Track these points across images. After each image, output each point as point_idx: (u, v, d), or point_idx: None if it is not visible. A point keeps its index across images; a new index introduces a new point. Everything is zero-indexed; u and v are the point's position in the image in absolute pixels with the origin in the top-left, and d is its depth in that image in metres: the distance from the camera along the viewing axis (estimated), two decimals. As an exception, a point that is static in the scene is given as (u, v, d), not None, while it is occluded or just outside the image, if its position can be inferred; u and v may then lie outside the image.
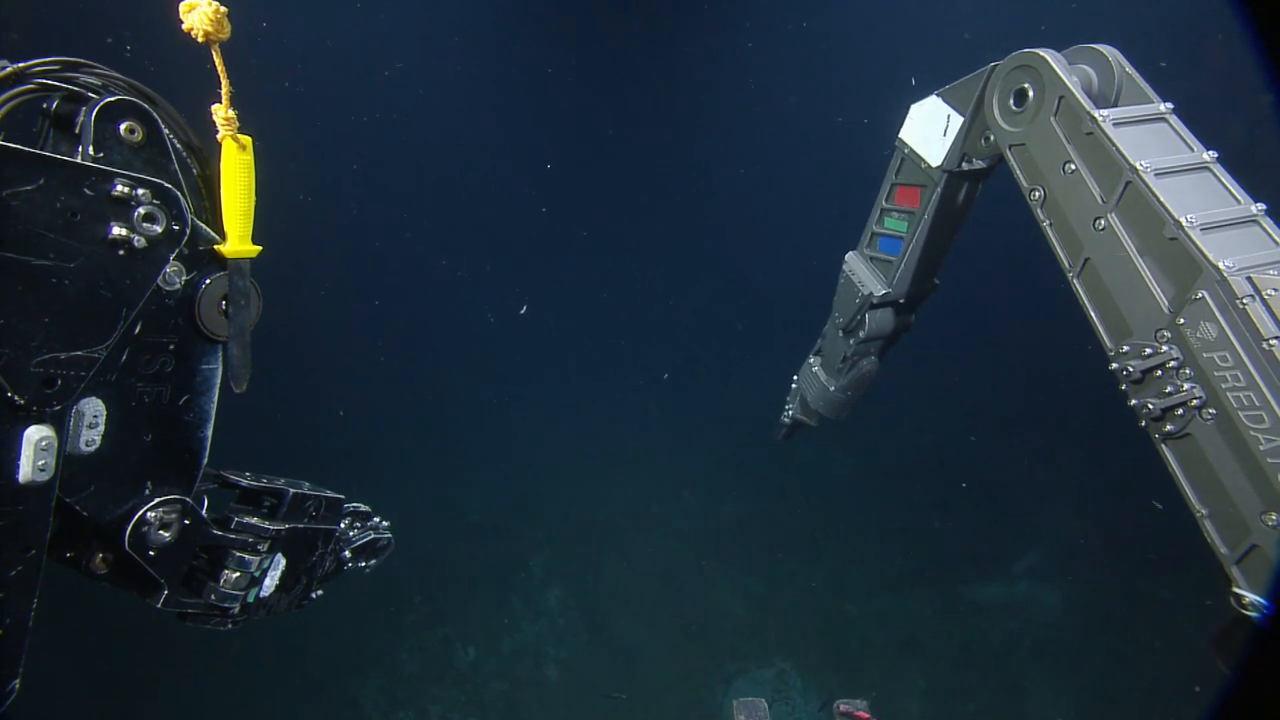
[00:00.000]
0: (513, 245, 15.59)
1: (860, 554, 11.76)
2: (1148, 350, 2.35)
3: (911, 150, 3.47)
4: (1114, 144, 2.45)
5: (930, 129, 3.35)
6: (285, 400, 11.94)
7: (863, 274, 3.95)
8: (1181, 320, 2.25)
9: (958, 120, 3.21)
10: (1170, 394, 2.29)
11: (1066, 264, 2.66)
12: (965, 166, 3.30)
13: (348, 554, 2.42)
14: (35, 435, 1.48)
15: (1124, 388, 2.45)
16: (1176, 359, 2.28)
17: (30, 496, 1.50)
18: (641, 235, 15.70)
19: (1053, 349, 12.26)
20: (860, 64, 14.00)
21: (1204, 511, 2.28)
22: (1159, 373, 2.32)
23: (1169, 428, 2.32)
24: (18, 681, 1.57)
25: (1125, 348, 2.43)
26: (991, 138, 3.02)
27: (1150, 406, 2.34)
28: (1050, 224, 2.71)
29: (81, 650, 8.98)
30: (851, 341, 4.17)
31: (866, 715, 2.84)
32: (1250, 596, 2.12)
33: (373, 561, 2.55)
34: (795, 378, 4.86)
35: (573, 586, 11.31)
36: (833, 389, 4.47)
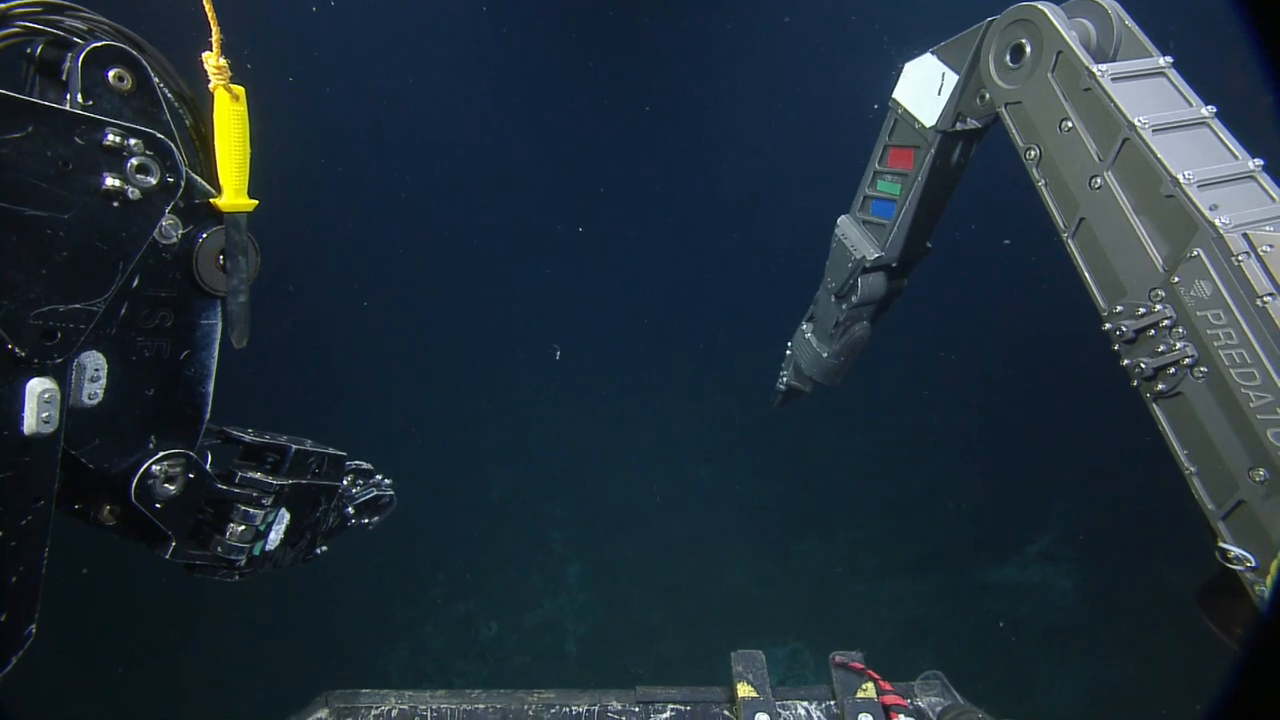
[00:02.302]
0: (529, 241, 15.60)
1: (873, 536, 11.67)
2: (1141, 310, 2.30)
3: (905, 110, 3.37)
4: (1112, 100, 2.38)
5: (925, 88, 3.25)
6: (315, 378, 12.07)
7: (855, 238, 3.86)
8: (1176, 279, 2.20)
9: (953, 79, 3.12)
10: (1163, 353, 2.24)
11: (1061, 224, 2.59)
12: (960, 126, 3.21)
13: (351, 510, 2.40)
14: (38, 387, 1.46)
15: (1116, 348, 2.40)
16: (1170, 318, 2.23)
17: (36, 448, 1.48)
18: (650, 221, 15.66)
19: (1071, 333, 12.05)
20: (855, 24, 13.84)
21: (1192, 469, 2.25)
22: (1152, 332, 2.28)
23: (1160, 387, 2.28)
24: (34, 626, 1.56)
25: (1119, 308, 2.38)
26: (987, 96, 2.94)
27: (1143, 366, 2.30)
28: (1046, 184, 2.64)
29: (114, 625, 9.13)
30: (844, 306, 4.08)
31: (861, 665, 2.81)
32: (1235, 551, 2.10)
33: (376, 518, 2.53)
34: (789, 345, 4.78)
35: (591, 563, 11.32)
36: (825, 355, 4.39)
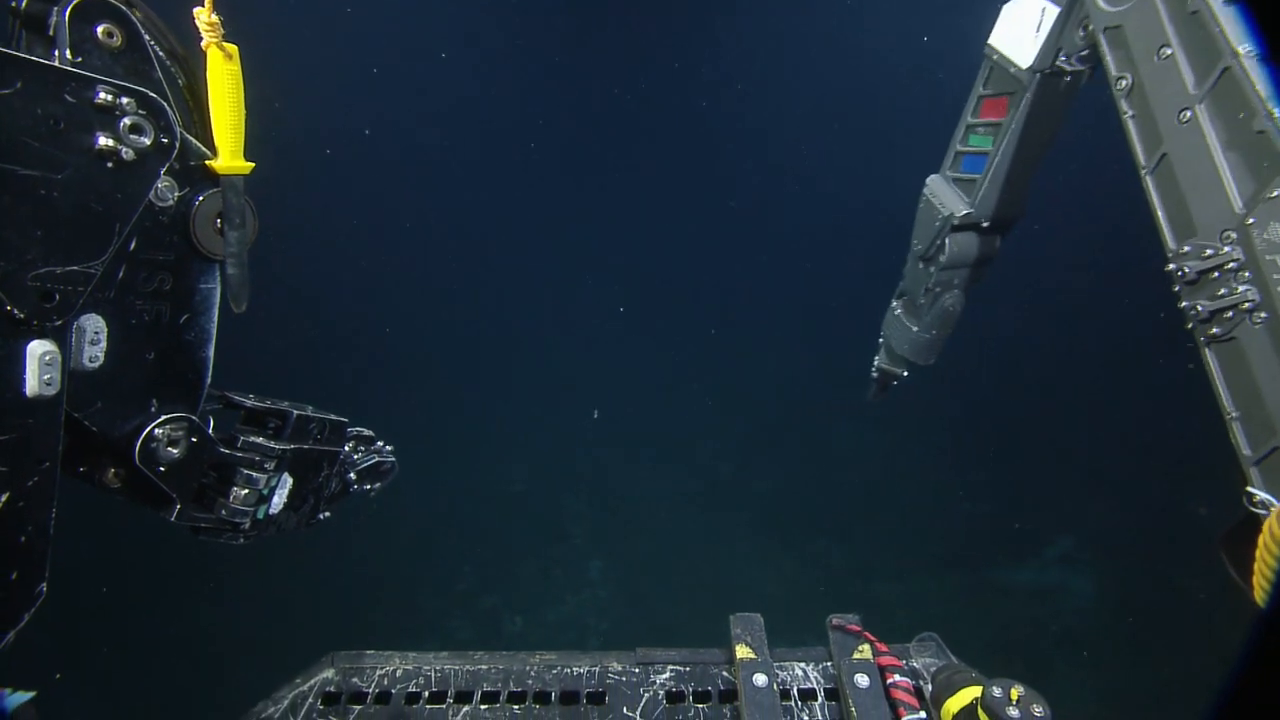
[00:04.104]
0: (552, 239, 15.64)
1: (892, 535, 11.55)
2: (1208, 251, 2.19)
3: (1001, 55, 3.16)
4: (1218, 24, 2.20)
5: (1022, 28, 3.05)
6: (337, 375, 12.17)
7: (944, 195, 3.61)
8: (1251, 220, 2.09)
9: (1053, 11, 2.93)
10: (1223, 296, 2.15)
11: (1141, 160, 2.44)
12: (1060, 63, 3.00)
13: (353, 476, 2.38)
14: (39, 349, 1.44)
15: (1177, 289, 2.30)
16: (1237, 260, 2.13)
17: (39, 410, 1.47)
18: (670, 220, 15.65)
19: (1095, 337, 11.86)
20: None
21: (1235, 414, 2.17)
22: (1216, 274, 2.17)
23: (1215, 330, 2.19)
24: (45, 585, 1.55)
25: (1186, 248, 2.27)
26: (1089, 26, 2.72)
27: (1200, 309, 2.21)
28: (1132, 116, 2.47)
29: (141, 617, 9.24)
30: (931, 270, 3.80)
31: (858, 628, 2.77)
32: (1261, 495, 2.04)
33: (377, 485, 2.50)
34: (882, 331, 4.48)
35: (613, 559, 11.30)
36: (916, 329, 4.11)
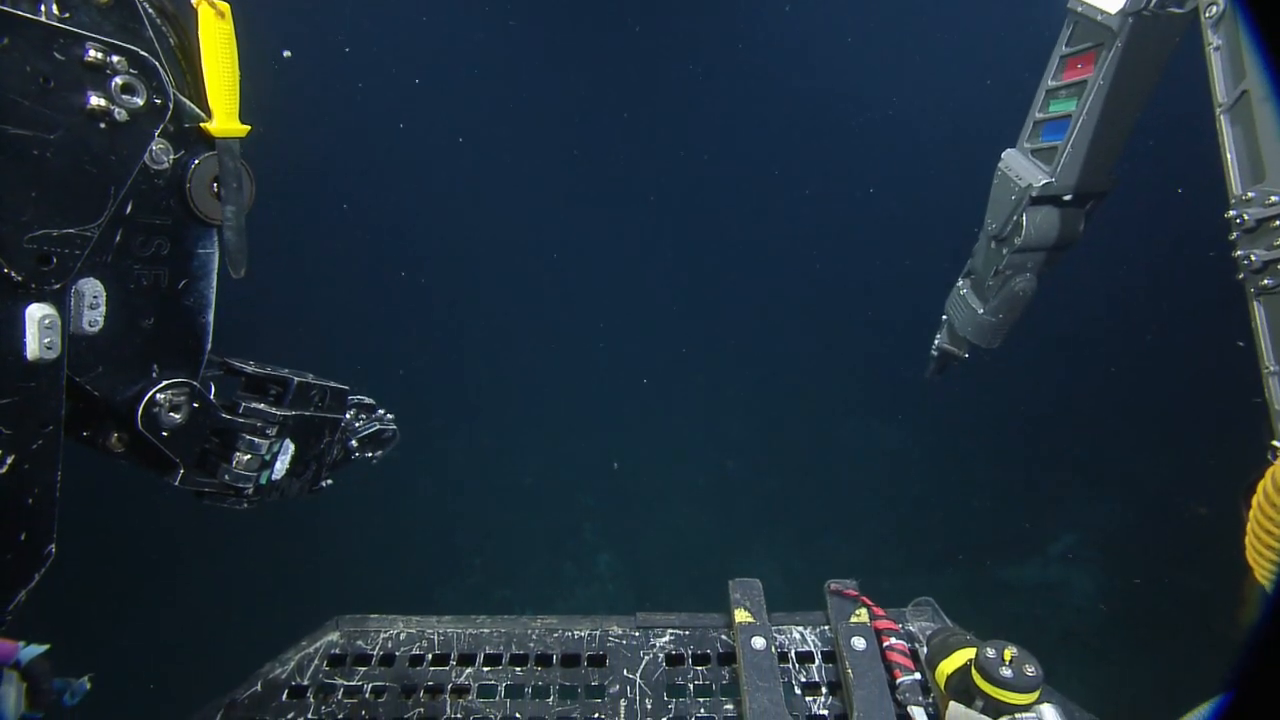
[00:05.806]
0: (565, 236, 15.62)
1: (897, 531, 11.50)
2: (1274, 197, 2.08)
3: (1087, 6, 2.86)
4: None
5: None
6: (353, 371, 12.25)
7: (1020, 167, 3.26)
8: None
9: None
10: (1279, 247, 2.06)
11: (1220, 96, 2.27)
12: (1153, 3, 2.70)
13: (354, 444, 2.36)
14: (38, 313, 1.41)
15: (1233, 236, 2.19)
16: None
17: (40, 373, 1.44)
18: (681, 218, 15.59)
19: (1103, 335, 11.73)
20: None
21: (1274, 368, 2.08)
22: (1276, 223, 2.07)
23: (1266, 281, 2.09)
24: (53, 546, 1.54)
25: (1250, 194, 2.15)
26: None
27: (1253, 258, 2.11)
28: (1217, 48, 2.28)
29: (153, 584, 9.33)
30: (1005, 251, 3.46)
31: (855, 593, 2.78)
32: None
33: (379, 452, 2.48)
34: (945, 311, 4.22)
35: (621, 553, 11.27)
36: (981, 311, 3.80)
